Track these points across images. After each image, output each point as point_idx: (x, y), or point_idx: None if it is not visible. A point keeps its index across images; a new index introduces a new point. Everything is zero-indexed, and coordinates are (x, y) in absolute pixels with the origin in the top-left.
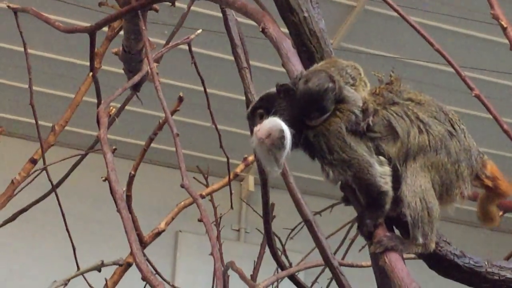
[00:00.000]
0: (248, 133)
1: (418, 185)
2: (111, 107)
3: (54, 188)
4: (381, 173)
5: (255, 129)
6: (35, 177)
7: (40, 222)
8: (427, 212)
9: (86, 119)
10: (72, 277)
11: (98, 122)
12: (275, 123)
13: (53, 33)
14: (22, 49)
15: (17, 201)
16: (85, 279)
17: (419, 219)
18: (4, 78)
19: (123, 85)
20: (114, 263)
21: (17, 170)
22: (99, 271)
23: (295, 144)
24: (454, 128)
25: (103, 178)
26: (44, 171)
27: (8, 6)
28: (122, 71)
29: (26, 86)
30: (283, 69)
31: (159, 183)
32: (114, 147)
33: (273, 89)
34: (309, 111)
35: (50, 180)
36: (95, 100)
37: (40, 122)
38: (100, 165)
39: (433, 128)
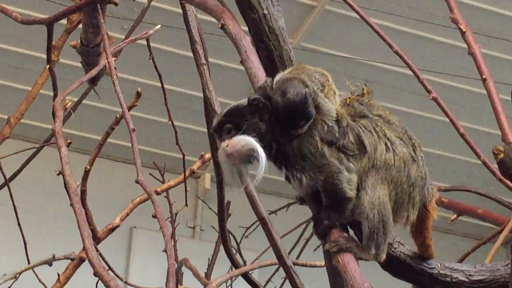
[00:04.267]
0: (205, 130)
1: (377, 197)
2: (67, 101)
3: (7, 181)
4: (348, 179)
5: (223, 144)
6: None
7: None
8: (382, 225)
9: (42, 112)
10: (23, 271)
11: (53, 115)
12: (246, 142)
13: (10, 24)
14: None
15: None
16: (34, 273)
17: (374, 231)
18: None
19: (80, 78)
20: (66, 257)
21: None
22: (50, 265)
23: (267, 158)
24: (415, 154)
25: (57, 172)
26: None
27: None
28: (80, 65)
29: None
30: (241, 67)
31: (115, 178)
32: (69, 141)
33: (242, 102)
34: (295, 122)
35: (2, 173)
36: (52, 93)
37: None
38: (56, 158)
39: (398, 149)
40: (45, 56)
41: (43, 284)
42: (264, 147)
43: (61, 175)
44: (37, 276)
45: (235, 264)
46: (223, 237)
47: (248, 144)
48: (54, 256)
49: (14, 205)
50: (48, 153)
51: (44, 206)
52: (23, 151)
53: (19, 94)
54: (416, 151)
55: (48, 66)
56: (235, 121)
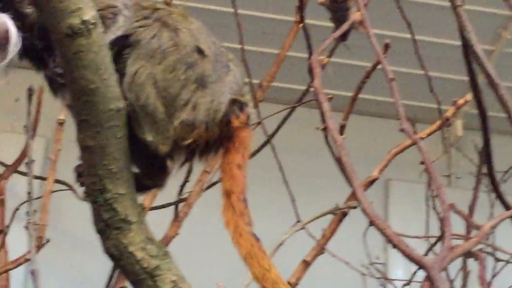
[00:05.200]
0: (454, 77)
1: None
2: (323, 58)
3: (269, 139)
4: None
5: None
6: None
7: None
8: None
9: (292, 73)
10: (310, 221)
11: (310, 72)
12: (3, 21)
13: None
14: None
15: None
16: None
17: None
18: None
19: (326, 37)
20: (349, 207)
21: None
22: (335, 214)
23: (26, 43)
24: (213, 55)
25: (320, 127)
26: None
27: None
28: (321, 24)
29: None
30: None
31: (365, 134)
32: (329, 96)
33: None
34: None
35: (265, 132)
36: (298, 55)
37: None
38: (306, 118)
39: (181, 35)
40: (288, 19)
41: (312, 237)
42: (25, 30)
43: (315, 133)
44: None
45: (507, 206)
46: (493, 179)
47: (1, 22)
48: (337, 206)
49: (280, 165)
50: (299, 114)
51: (303, 164)
52: (279, 112)
53: (268, 58)
54: (220, 56)
55: (301, 24)
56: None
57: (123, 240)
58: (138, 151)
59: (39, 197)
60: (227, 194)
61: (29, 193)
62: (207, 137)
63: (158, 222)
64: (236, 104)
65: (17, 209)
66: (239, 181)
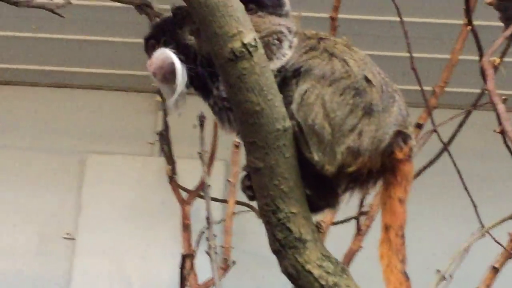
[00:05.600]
0: None
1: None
2: (495, 59)
3: (446, 145)
4: None
5: (148, 63)
6: (425, 141)
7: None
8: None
9: (463, 77)
10: (493, 226)
11: (483, 74)
12: (164, 55)
13: None
14: None
15: None
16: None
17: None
18: None
19: (496, 37)
20: None
21: None
22: None
23: (191, 74)
24: (381, 85)
25: (497, 130)
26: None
27: None
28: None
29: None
30: None
31: None
32: (504, 97)
33: (169, 15)
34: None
35: (441, 140)
36: (468, 57)
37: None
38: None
39: (351, 64)
40: (456, 22)
41: (498, 243)
42: (189, 60)
43: (493, 136)
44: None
45: None
46: None
47: (166, 57)
48: None
49: (458, 170)
50: (475, 117)
51: (482, 169)
52: (453, 117)
53: (437, 64)
54: (386, 86)
55: (470, 27)
56: (158, 36)
57: (299, 259)
58: (306, 172)
59: (222, 220)
60: (386, 228)
61: (207, 217)
62: (370, 167)
63: (340, 237)
64: (400, 135)
65: (202, 232)
66: (399, 216)
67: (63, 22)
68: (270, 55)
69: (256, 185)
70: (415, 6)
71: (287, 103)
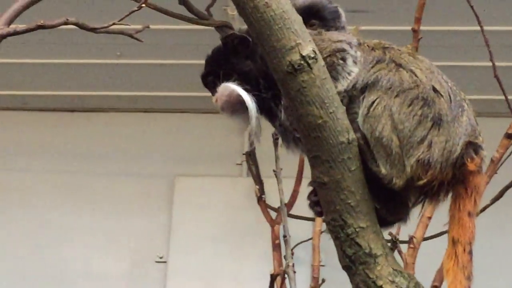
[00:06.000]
0: None
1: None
2: None
3: None
4: None
5: (213, 99)
6: None
7: None
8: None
9: None
10: None
11: None
12: (228, 89)
13: None
14: None
15: (499, 178)
16: None
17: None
18: None
19: None
20: None
21: (494, 147)
22: None
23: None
24: (449, 95)
25: None
26: None
27: None
28: None
29: None
30: None
31: None
32: None
33: (219, 46)
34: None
35: None
36: None
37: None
38: None
39: (418, 74)
40: None
41: None
42: (252, 87)
43: None
44: None
45: None
46: None
47: (231, 90)
48: None
49: None
50: None
51: None
52: None
53: None
54: (454, 95)
55: None
56: (215, 70)
57: (370, 275)
58: (374, 185)
59: (309, 239)
60: (454, 242)
61: (284, 236)
62: (440, 179)
63: (432, 252)
64: (471, 146)
65: (292, 252)
66: (468, 231)
67: (145, 47)
68: (336, 76)
69: (322, 200)
70: (495, 15)
71: (352, 119)
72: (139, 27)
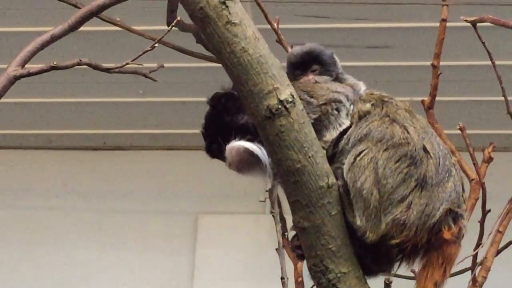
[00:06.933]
0: None
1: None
2: None
3: None
4: None
5: (226, 164)
6: None
7: None
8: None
9: None
10: None
11: None
12: (234, 150)
13: None
14: None
15: None
16: None
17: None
18: None
19: None
20: None
21: None
22: None
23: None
24: (438, 158)
25: None
26: None
27: None
28: None
29: None
30: None
31: None
32: None
33: (209, 110)
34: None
35: None
36: None
37: None
38: None
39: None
40: None
41: None
42: (253, 135)
43: None
44: None
45: None
46: None
47: (236, 149)
48: None
49: None
50: None
51: None
52: None
53: None
54: (444, 159)
55: None
56: (215, 137)
57: None
58: (355, 234)
59: None
60: None
61: (282, 278)
62: (414, 242)
63: None
64: (451, 214)
65: None
66: None
67: (167, 85)
68: (327, 125)
69: (304, 245)
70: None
71: (338, 167)
72: (153, 65)
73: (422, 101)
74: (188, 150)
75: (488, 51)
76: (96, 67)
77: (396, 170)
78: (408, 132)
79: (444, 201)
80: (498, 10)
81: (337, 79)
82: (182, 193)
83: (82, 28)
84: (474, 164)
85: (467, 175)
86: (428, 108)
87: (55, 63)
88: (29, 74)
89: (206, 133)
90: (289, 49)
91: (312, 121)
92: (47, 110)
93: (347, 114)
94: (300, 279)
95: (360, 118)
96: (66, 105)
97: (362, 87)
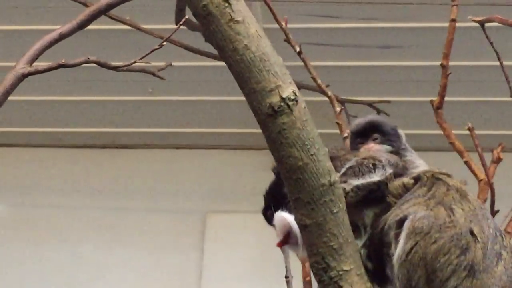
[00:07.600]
0: None
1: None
2: None
3: None
4: None
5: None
6: None
7: None
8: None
9: None
10: None
11: None
12: (278, 221)
13: None
14: None
15: None
16: None
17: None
18: None
19: None
20: None
21: None
22: None
23: None
24: (489, 242)
25: None
26: None
27: None
28: None
29: None
30: None
31: None
32: None
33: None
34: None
35: None
36: None
37: None
38: None
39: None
40: None
41: None
42: None
43: None
44: None
45: None
46: None
47: (280, 221)
48: None
49: None
50: None
51: None
52: None
53: None
54: (493, 242)
55: None
56: (270, 203)
57: None
58: None
59: None
60: None
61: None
62: None
63: None
64: None
65: None
66: None
67: (176, 84)
68: (357, 173)
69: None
70: None
71: (383, 246)
72: (162, 64)
73: (431, 101)
74: (197, 149)
75: (496, 51)
76: (104, 65)
77: (446, 262)
78: (454, 214)
79: (494, 286)
80: (506, 10)
81: (398, 153)
82: (191, 192)
83: (90, 26)
84: (482, 164)
85: (476, 176)
86: (437, 108)
87: (63, 61)
88: (37, 72)
89: (266, 197)
90: (297, 49)
91: (345, 169)
92: (55, 108)
93: (381, 175)
94: (308, 278)
95: (401, 193)
96: (75, 103)
97: (419, 166)
